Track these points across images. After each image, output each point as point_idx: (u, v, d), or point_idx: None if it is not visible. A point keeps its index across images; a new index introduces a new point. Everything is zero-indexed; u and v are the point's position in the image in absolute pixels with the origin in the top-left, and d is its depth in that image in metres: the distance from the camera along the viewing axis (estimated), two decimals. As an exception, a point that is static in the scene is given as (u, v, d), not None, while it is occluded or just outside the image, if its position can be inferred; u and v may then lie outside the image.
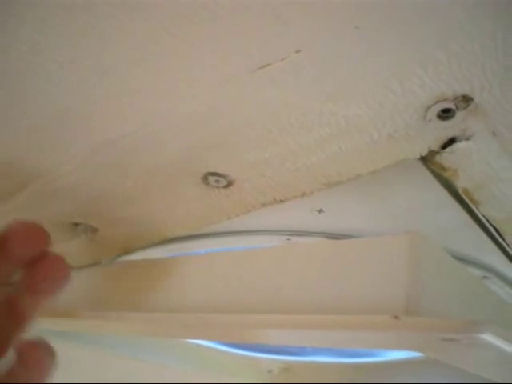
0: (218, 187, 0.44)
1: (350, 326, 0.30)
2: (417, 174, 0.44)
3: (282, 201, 0.44)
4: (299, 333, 0.34)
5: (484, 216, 0.45)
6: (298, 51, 0.30)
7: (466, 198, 0.43)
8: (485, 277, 0.60)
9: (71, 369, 0.95)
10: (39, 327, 0.78)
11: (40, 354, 0.41)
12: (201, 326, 0.40)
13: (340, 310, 0.33)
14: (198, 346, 0.96)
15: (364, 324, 0.29)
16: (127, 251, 0.59)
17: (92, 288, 0.58)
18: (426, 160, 0.38)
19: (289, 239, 0.57)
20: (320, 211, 0.51)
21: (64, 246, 0.59)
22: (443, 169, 0.39)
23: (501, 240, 0.50)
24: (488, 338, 0.27)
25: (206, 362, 0.99)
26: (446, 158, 0.37)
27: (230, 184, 0.43)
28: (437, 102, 0.33)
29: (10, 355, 0.38)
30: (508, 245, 0.50)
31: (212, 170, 0.42)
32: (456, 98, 0.33)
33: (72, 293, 0.62)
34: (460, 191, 0.41)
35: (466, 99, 0.33)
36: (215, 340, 0.90)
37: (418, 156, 0.38)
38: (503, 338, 0.28)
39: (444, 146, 0.37)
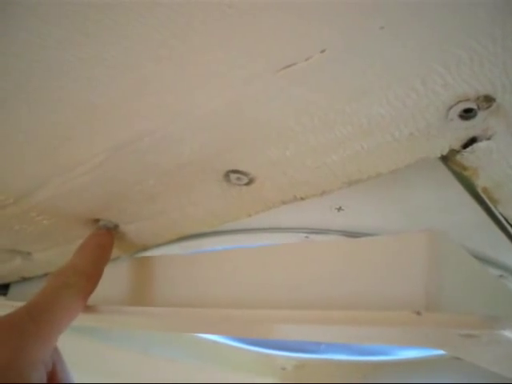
0: (239, 185, 0.45)
1: (372, 322, 0.30)
2: (436, 173, 0.44)
3: (302, 198, 0.45)
4: (319, 328, 0.34)
5: (502, 215, 0.45)
6: (322, 51, 0.31)
7: (485, 198, 0.43)
8: (501, 276, 0.60)
9: (84, 363, 0.96)
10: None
11: None
12: (219, 321, 0.40)
13: (360, 307, 0.33)
14: (213, 342, 0.97)
15: (386, 320, 0.30)
16: (146, 247, 0.60)
17: (111, 283, 0.59)
18: (447, 159, 0.38)
19: (307, 237, 0.57)
20: (339, 209, 0.52)
21: (84, 242, 0.60)
22: (464, 168, 0.39)
23: (519, 239, 0.50)
24: (509, 334, 0.27)
25: (220, 358, 1.00)
26: (467, 157, 0.38)
27: (251, 182, 0.44)
28: (459, 102, 0.33)
29: None
30: (526, 244, 0.50)
31: (234, 168, 0.43)
32: (478, 98, 0.33)
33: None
34: (479, 190, 0.42)
35: (488, 99, 0.33)
36: (232, 335, 0.90)
37: (439, 155, 0.38)
38: (523, 335, 0.28)
39: (465, 146, 0.37)
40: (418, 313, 0.28)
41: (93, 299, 0.59)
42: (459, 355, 0.36)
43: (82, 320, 0.66)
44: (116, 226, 0.56)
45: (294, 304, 0.38)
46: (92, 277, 0.51)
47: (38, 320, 0.42)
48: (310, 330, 0.36)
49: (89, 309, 0.53)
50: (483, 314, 0.29)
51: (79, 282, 0.49)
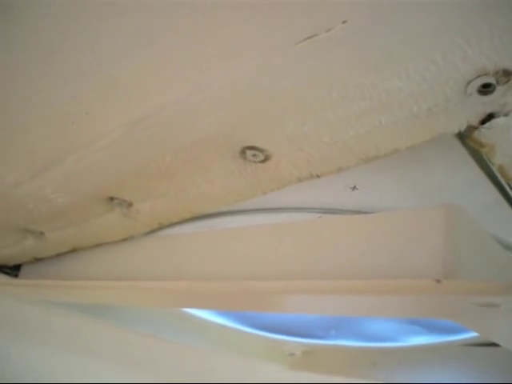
0: (255, 162, 0.45)
1: (393, 291, 0.30)
2: (451, 152, 0.44)
3: (318, 176, 0.45)
4: (339, 299, 0.35)
5: (517, 195, 0.46)
6: (344, 22, 0.31)
7: (500, 176, 0.43)
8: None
9: (92, 344, 0.96)
10: (59, 300, 0.79)
11: None
12: (236, 294, 0.41)
13: (379, 277, 0.34)
14: (222, 326, 0.97)
15: (406, 288, 0.30)
16: (161, 226, 0.60)
17: (126, 261, 0.59)
18: (464, 136, 0.39)
19: (321, 217, 0.58)
20: (354, 188, 0.52)
21: (99, 221, 0.60)
22: (481, 145, 0.39)
23: (532, 221, 0.50)
24: (528, 303, 0.27)
25: (228, 343, 1.00)
26: (485, 133, 0.38)
27: (267, 158, 0.44)
28: (478, 77, 0.34)
29: None
30: (540, 226, 0.50)
31: (250, 144, 0.43)
32: (497, 72, 0.33)
33: (106, 266, 0.63)
34: (495, 169, 0.42)
35: (507, 74, 0.33)
36: (250, 309, 0.90)
37: (457, 131, 0.38)
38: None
39: (483, 122, 0.37)
40: (438, 281, 0.29)
41: (107, 277, 0.60)
42: (475, 328, 0.36)
43: (93, 298, 0.67)
44: (130, 204, 0.56)
45: (314, 276, 0.38)
46: None
47: None
48: (330, 301, 0.36)
49: (98, 285, 0.53)
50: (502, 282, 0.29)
51: None
